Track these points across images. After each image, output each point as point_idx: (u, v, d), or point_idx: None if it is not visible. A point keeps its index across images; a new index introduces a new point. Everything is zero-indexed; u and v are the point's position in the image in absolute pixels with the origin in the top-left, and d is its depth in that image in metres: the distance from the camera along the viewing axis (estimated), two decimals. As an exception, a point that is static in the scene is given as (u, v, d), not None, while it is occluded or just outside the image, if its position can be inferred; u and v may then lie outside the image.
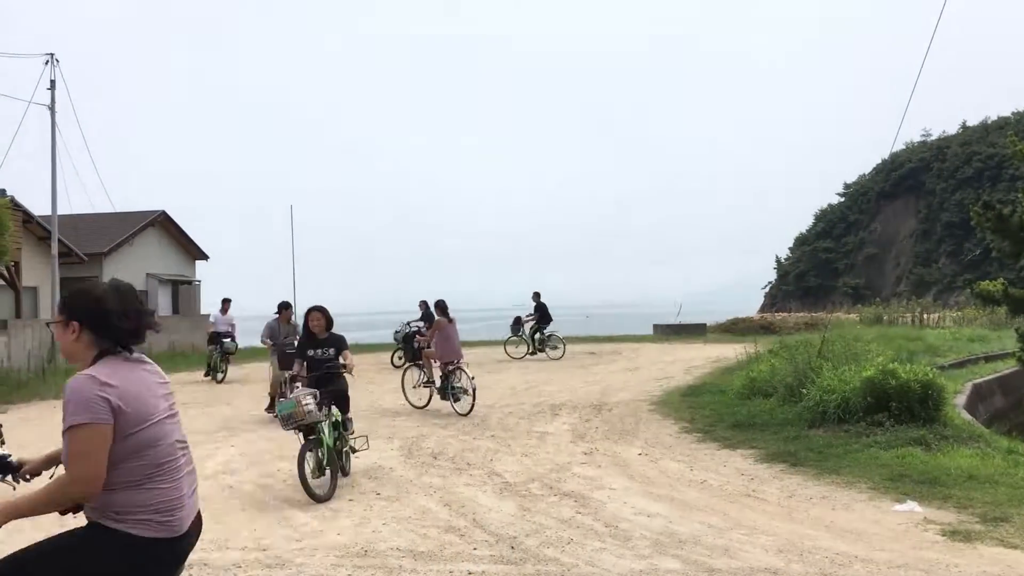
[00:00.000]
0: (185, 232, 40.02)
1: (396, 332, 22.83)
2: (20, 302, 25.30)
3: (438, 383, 13.99)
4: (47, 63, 27.86)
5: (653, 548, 6.19)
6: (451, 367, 13.74)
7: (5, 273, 21.62)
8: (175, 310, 38.53)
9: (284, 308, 14.86)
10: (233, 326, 20.88)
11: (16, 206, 24.40)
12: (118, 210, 36.18)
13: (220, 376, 20.23)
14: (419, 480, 8.68)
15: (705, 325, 37.07)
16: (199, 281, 41.34)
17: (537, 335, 24.21)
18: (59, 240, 28.16)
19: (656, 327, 37.61)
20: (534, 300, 24.66)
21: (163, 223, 38.58)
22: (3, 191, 22.68)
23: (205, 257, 41.86)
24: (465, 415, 13.16)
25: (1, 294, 24.94)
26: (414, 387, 14.49)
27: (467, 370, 13.74)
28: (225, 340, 20.34)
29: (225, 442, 11.44)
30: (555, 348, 24.02)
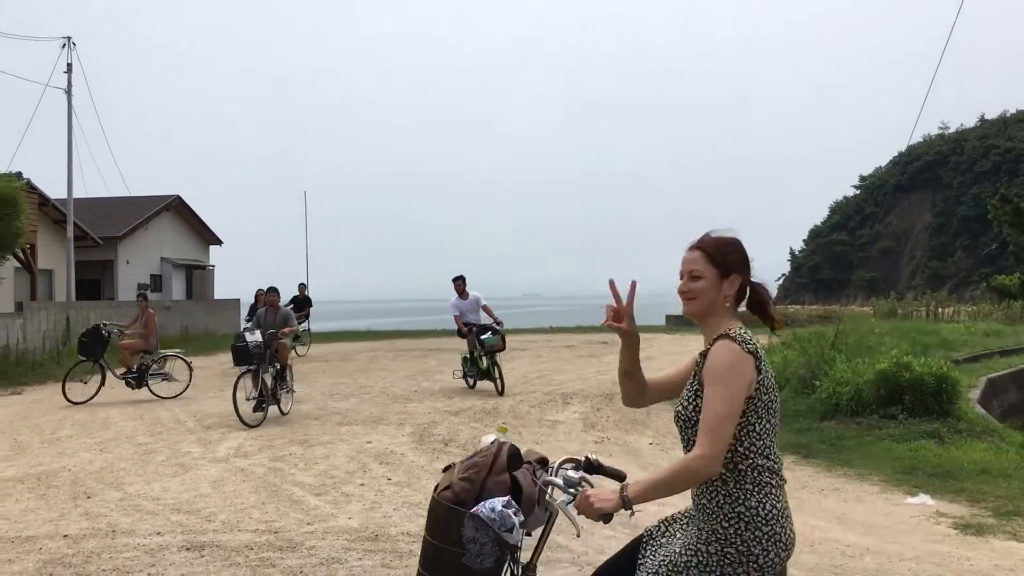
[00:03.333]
0: (199, 217, 40.18)
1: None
2: (35, 284, 25.43)
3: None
4: (64, 46, 28.01)
5: (663, 537, 6.18)
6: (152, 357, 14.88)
7: (21, 255, 21.75)
8: (189, 295, 38.72)
9: (269, 292, 13.04)
10: (486, 308, 14.89)
11: (32, 189, 24.51)
12: (133, 194, 36.38)
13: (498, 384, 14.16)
14: (430, 466, 8.69)
15: (718, 316, 36.94)
16: (213, 266, 41.52)
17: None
18: (75, 223, 28.34)
19: (668, 318, 37.54)
20: (300, 292, 22.76)
21: (178, 208, 38.75)
22: (19, 174, 22.79)
23: (219, 242, 42.04)
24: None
25: (17, 276, 25.09)
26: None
27: (182, 357, 15.31)
28: (484, 336, 14.13)
29: (237, 425, 11.47)
30: (303, 345, 22.38)
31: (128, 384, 14.56)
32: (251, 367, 11.80)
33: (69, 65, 28.13)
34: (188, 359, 15.40)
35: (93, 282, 34.29)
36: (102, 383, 14.45)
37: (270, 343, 12.12)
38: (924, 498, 7.35)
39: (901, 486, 7.81)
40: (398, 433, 10.70)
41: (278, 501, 7.37)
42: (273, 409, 12.03)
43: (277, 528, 6.52)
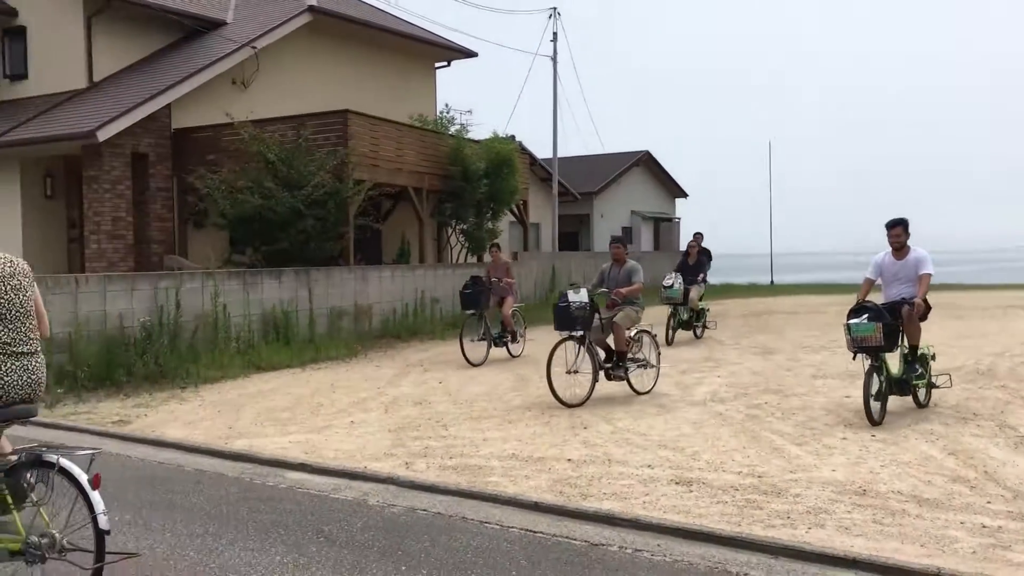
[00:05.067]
0: (666, 171, 41.55)
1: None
2: (527, 236, 28.31)
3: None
4: (550, 17, 30.50)
5: None
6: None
7: (515, 211, 24.32)
8: (656, 246, 40.37)
9: (614, 243, 10.86)
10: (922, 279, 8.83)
11: (523, 150, 27.18)
12: (607, 151, 38.73)
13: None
14: (916, 426, 8.21)
15: None
16: (678, 218, 42.79)
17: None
18: (558, 181, 30.97)
19: None
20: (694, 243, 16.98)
21: (647, 162, 40.43)
22: (512, 136, 25.38)
23: (684, 195, 43.16)
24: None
25: (512, 229, 28.14)
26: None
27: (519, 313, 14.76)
28: (851, 320, 8.58)
29: (711, 372, 11.82)
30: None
31: (497, 343, 13.75)
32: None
33: (555, 34, 30.62)
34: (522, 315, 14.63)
35: (572, 234, 37.26)
36: (490, 343, 13.56)
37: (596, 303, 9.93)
38: None
39: None
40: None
41: (759, 447, 7.49)
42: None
43: (760, 473, 6.65)
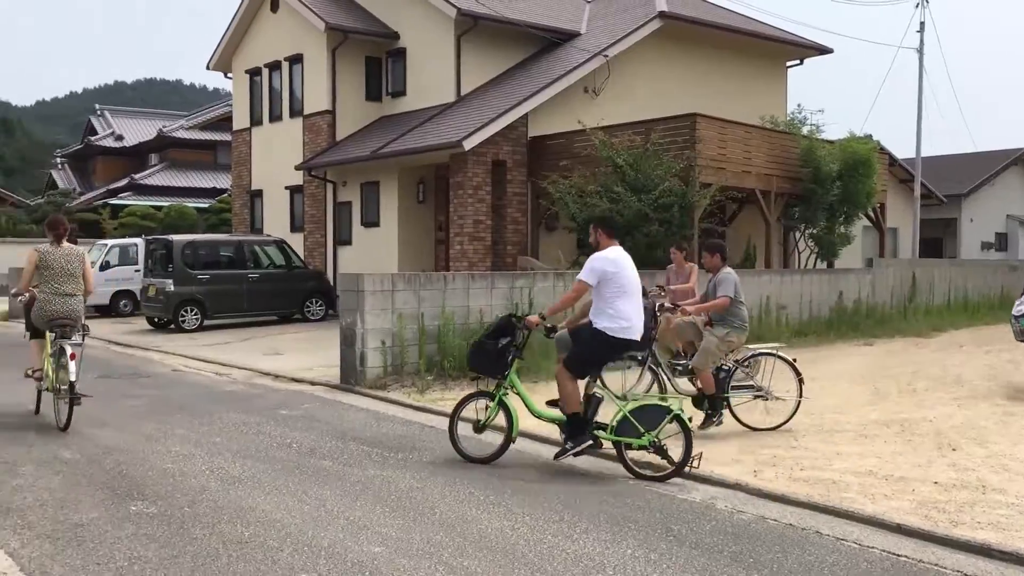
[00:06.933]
0: (1051, 170, 36.93)
1: None
2: (883, 242, 26.49)
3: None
4: (917, 6, 28.33)
5: None
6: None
7: (871, 214, 22.82)
8: (1037, 254, 35.99)
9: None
10: None
11: (881, 150, 25.45)
12: (979, 150, 35.22)
13: None
14: None
15: None
16: (1066, 223, 37.84)
17: None
18: (921, 182, 28.66)
19: None
20: None
21: (1027, 161, 36.23)
22: (870, 136, 23.88)
23: (1074, 196, 38.07)
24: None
25: (865, 234, 26.48)
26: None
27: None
28: None
29: None
30: None
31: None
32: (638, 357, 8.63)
33: (922, 24, 28.39)
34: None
35: (934, 240, 34.31)
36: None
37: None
38: None
39: None
40: None
41: None
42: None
43: None
